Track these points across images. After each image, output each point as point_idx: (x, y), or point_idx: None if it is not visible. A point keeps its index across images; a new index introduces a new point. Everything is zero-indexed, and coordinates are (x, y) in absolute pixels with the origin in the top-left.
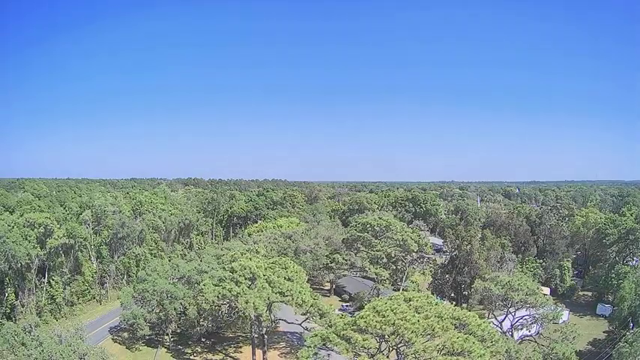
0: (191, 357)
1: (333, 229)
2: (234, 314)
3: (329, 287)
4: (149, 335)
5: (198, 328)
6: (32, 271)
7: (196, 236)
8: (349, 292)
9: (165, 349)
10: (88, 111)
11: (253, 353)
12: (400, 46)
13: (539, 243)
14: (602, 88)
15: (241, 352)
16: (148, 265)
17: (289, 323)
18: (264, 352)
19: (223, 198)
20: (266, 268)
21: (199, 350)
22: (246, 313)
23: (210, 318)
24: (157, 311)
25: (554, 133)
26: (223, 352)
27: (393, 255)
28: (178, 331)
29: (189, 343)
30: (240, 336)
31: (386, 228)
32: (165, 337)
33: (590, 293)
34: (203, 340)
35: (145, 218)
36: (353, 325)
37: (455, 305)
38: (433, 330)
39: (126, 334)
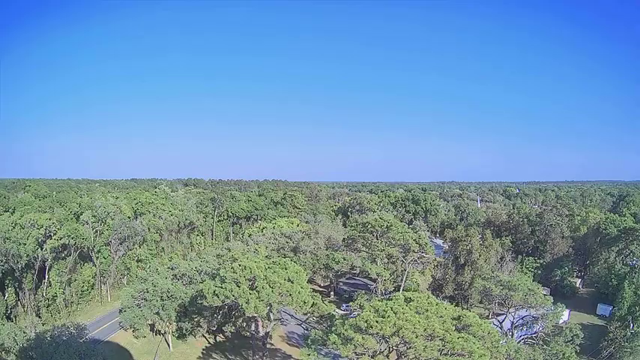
0: (192, 355)
1: (333, 229)
2: (234, 314)
3: (329, 287)
4: (150, 334)
5: (199, 327)
6: (33, 271)
7: (197, 236)
8: (349, 292)
9: (166, 348)
10: (88, 111)
11: (254, 353)
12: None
13: (539, 243)
14: (601, 88)
15: (242, 352)
16: (149, 265)
17: (290, 323)
18: (264, 352)
19: (223, 198)
20: (266, 269)
21: (200, 349)
22: (247, 314)
23: (210, 317)
24: (158, 311)
25: (553, 133)
26: (224, 350)
27: (393, 255)
28: (179, 330)
29: (190, 341)
30: (240, 335)
31: (387, 228)
32: (166, 335)
33: (590, 293)
34: (204, 338)
35: (146, 218)
36: (353, 326)
37: (455, 305)
38: (434, 330)
39: (126, 334)
